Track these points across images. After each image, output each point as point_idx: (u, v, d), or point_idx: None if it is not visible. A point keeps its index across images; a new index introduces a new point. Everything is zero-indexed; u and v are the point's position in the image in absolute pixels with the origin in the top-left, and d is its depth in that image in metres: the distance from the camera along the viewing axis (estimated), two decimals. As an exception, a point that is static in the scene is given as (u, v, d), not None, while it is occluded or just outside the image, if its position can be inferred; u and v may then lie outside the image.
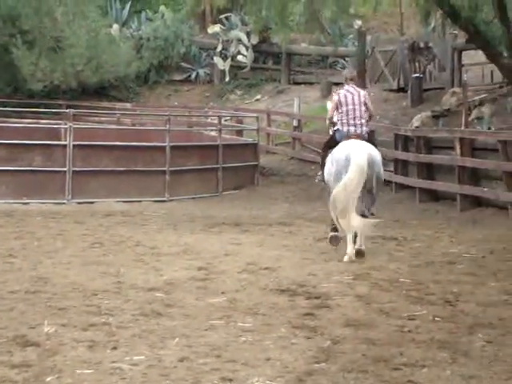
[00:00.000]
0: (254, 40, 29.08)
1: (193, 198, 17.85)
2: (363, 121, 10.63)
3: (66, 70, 24.57)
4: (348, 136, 10.47)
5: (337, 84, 26.53)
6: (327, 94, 25.48)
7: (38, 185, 16.30)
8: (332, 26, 28.72)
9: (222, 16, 29.52)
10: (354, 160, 9.97)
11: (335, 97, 10.87)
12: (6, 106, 23.91)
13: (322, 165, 10.97)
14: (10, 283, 8.29)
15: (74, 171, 16.59)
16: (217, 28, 29.54)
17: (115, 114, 24.58)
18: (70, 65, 24.54)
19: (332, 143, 10.79)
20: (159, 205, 16.78)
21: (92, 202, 16.41)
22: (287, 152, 21.76)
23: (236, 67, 29.44)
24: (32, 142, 16.97)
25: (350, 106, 10.59)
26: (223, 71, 29.22)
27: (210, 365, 5.60)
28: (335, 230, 10.54)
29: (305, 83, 28.32)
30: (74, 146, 16.69)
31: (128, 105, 27.30)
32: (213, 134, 21.03)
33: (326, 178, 10.74)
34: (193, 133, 22.43)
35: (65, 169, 16.54)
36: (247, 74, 29.41)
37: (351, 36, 29.49)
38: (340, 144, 10.48)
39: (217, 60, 29.20)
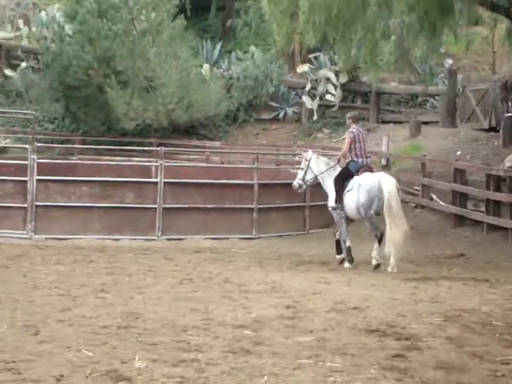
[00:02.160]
0: (343, 79, 29.14)
1: (279, 236, 17.88)
2: (369, 154, 13.70)
3: (157, 109, 25.04)
4: (362, 166, 13.19)
5: (426, 123, 26.37)
6: (416, 133, 25.29)
7: (130, 221, 16.60)
8: (422, 65, 28.56)
9: (310, 55, 29.71)
10: (386, 188, 12.63)
11: (351, 135, 13.41)
12: (100, 144, 24.52)
13: (338, 194, 13.20)
14: (103, 318, 8.44)
15: (164, 208, 16.84)
16: (306, 67, 29.73)
17: (205, 152, 24.91)
18: (161, 104, 25.01)
19: (346, 175, 13.25)
20: (246, 242, 16.86)
21: (181, 239, 16.61)
22: (375, 191, 21.60)
23: (324, 106, 29.51)
24: (124, 179, 17.33)
25: (362, 144, 13.37)
26: (311, 110, 29.33)
27: (299, 404, 5.57)
28: (340, 252, 13.39)
29: (394, 122, 28.18)
30: (164, 183, 16.97)
31: (217, 143, 27.63)
32: (301, 172, 21.05)
33: (351, 206, 13.04)
34: (280, 171, 22.53)
35: (155, 206, 16.80)
36: (335, 113, 29.43)
37: (442, 75, 29.26)
38: (363, 175, 13.04)
39: (305, 99, 29.34)
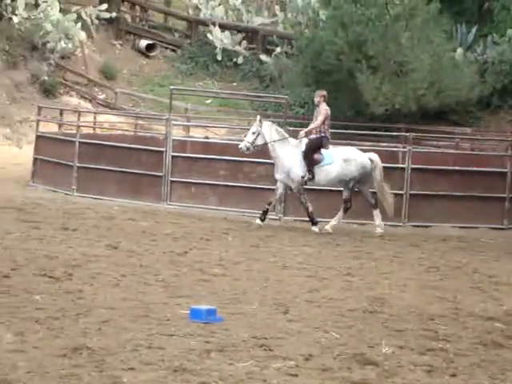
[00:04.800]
0: None
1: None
2: None
3: (407, 94, 24.73)
4: (328, 142, 14.69)
5: None
6: None
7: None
8: None
9: None
10: (378, 163, 14.68)
11: (328, 112, 14.69)
12: (347, 129, 24.69)
13: (310, 165, 14.38)
14: (349, 301, 8.53)
15: (411, 194, 16.66)
16: None
17: (454, 138, 24.32)
18: (411, 89, 24.69)
19: (317, 148, 14.45)
20: (497, 232, 16.26)
21: (427, 226, 16.35)
22: None
23: None
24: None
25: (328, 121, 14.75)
26: None
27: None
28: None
29: None
30: (412, 169, 16.78)
31: (468, 129, 26.86)
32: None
33: (332, 179, 14.58)
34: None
35: (402, 192, 16.65)
36: None
37: None
38: (342, 150, 14.82)
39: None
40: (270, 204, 14.81)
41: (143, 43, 32.15)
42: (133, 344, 6.37)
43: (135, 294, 8.34)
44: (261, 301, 8.32)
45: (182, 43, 33.01)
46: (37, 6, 27.87)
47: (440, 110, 27.39)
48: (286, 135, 15.06)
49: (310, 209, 14.68)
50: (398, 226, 16.34)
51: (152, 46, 32.20)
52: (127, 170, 17.16)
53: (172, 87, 21.82)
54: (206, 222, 14.54)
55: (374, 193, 14.93)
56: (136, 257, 10.59)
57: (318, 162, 14.54)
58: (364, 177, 14.68)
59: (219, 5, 32.93)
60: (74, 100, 27.96)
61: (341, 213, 14.79)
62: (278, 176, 14.83)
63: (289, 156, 14.67)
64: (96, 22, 31.02)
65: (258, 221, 14.60)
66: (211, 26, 31.78)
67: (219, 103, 29.18)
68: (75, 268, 9.45)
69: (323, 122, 14.65)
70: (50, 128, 21.15)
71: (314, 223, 14.59)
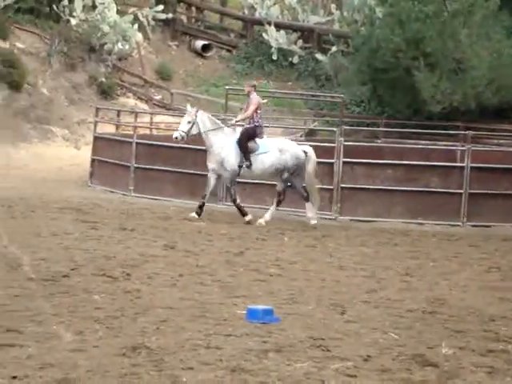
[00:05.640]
0: None
1: None
2: None
3: (465, 91, 24.42)
4: (263, 131, 14.73)
5: None
6: None
7: (434, 206, 16.36)
8: None
9: None
10: (312, 157, 14.59)
11: (260, 100, 14.78)
12: (404, 128, 24.47)
13: (245, 154, 14.32)
14: (408, 302, 8.44)
15: (470, 193, 16.42)
16: None
17: (515, 136, 23.92)
18: (470, 86, 24.37)
19: (251, 137, 14.40)
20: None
21: (488, 226, 16.11)
22: None
23: None
24: (429, 163, 17.13)
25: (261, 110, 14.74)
26: None
27: None
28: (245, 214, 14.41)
29: None
30: (471, 168, 16.54)
31: (529, 127, 26.38)
32: None
33: (267, 168, 14.43)
34: None
35: (461, 191, 16.44)
36: None
37: None
38: (279, 140, 15.19)
39: None
40: (204, 197, 14.50)
41: (199, 44, 32.34)
42: (191, 344, 6.40)
43: (192, 293, 8.37)
44: (317, 301, 8.28)
45: (237, 43, 33.10)
46: (94, 7, 28.21)
47: (499, 108, 26.95)
48: (221, 124, 14.91)
49: (238, 201, 14.52)
50: (456, 225, 16.14)
51: (208, 46, 32.37)
52: (183, 171, 17.27)
53: (227, 87, 21.89)
54: (262, 222, 14.51)
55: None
56: (192, 257, 10.64)
57: (252, 151, 14.45)
58: (297, 169, 14.55)
59: (274, 4, 32.94)
60: (130, 101, 28.24)
61: (273, 206, 14.62)
62: (210, 165, 14.59)
63: (223, 145, 14.50)
64: (152, 23, 31.32)
65: (193, 214, 14.33)
66: (266, 26, 31.79)
67: (275, 103, 29.19)
68: (133, 268, 9.52)
69: (255, 111, 14.53)
70: (107, 129, 21.40)
71: (244, 214, 14.38)
